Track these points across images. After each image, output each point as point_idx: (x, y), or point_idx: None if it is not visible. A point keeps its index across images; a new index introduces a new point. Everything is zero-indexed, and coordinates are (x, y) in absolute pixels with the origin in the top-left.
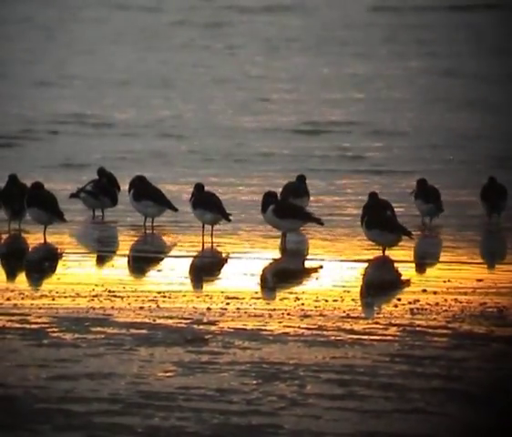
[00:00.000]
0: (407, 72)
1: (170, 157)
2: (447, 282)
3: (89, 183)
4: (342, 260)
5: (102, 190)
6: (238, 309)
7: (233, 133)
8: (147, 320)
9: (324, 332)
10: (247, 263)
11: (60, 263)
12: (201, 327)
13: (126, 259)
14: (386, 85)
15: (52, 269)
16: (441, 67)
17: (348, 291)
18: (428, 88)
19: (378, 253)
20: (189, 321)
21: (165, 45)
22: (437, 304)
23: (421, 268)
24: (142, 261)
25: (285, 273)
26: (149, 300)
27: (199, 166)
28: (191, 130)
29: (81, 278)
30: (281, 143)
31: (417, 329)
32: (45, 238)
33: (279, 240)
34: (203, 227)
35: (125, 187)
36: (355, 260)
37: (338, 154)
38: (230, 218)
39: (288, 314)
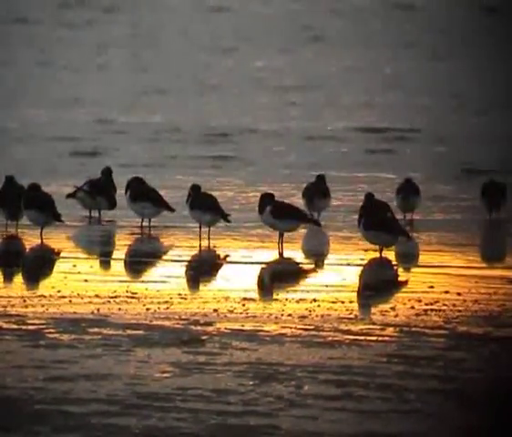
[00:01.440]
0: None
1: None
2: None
3: (86, 183)
4: (339, 261)
5: (99, 190)
6: (235, 310)
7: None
8: (143, 322)
9: (322, 333)
10: (245, 264)
11: (57, 264)
12: (198, 328)
13: (122, 260)
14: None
15: (49, 270)
16: None
17: (345, 292)
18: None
19: (375, 254)
20: (185, 322)
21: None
22: (438, 304)
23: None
24: (138, 263)
25: (282, 274)
26: (146, 302)
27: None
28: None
29: (78, 279)
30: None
31: (414, 329)
32: (41, 240)
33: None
34: (200, 228)
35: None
36: (352, 261)
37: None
38: (229, 218)
39: (285, 315)
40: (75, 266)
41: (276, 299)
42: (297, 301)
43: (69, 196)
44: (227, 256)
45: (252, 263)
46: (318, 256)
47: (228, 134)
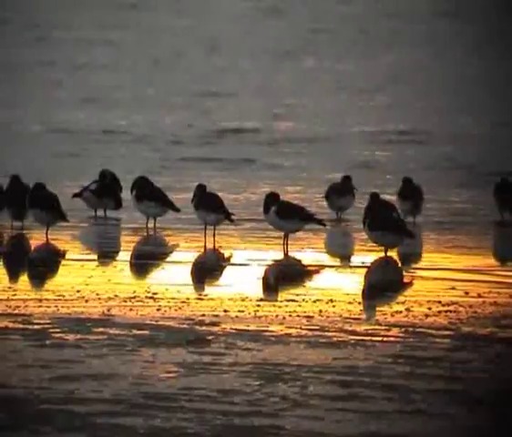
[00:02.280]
0: None
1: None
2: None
3: (92, 183)
4: (344, 262)
5: (105, 191)
6: (240, 310)
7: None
8: (149, 321)
9: (326, 333)
10: (249, 265)
11: (62, 264)
12: (204, 328)
13: (127, 260)
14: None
15: (54, 269)
16: None
17: (350, 293)
18: None
19: (380, 254)
20: (191, 322)
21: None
22: (442, 305)
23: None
24: (143, 263)
25: (287, 274)
26: (151, 302)
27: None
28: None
29: (83, 279)
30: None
31: (419, 330)
32: (47, 239)
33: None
34: (205, 228)
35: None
36: (357, 261)
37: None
38: (233, 218)
39: (290, 315)
40: (79, 265)
41: (281, 300)
42: (302, 302)
43: (75, 195)
44: (231, 256)
45: (257, 263)
46: (323, 255)
47: (272, 138)
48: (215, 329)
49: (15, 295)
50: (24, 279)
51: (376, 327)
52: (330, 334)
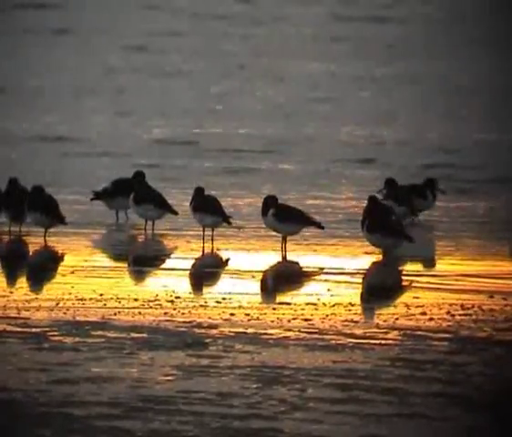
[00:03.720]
0: None
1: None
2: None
3: (109, 184)
4: (343, 264)
5: (121, 191)
6: (238, 313)
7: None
8: (147, 324)
9: (325, 336)
10: (248, 266)
11: (60, 267)
12: (202, 331)
13: (125, 264)
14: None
15: (52, 273)
16: None
17: (348, 295)
18: None
19: (379, 257)
20: (189, 325)
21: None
22: (441, 306)
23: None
24: (141, 265)
25: (285, 277)
26: (149, 304)
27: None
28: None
29: (81, 281)
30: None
31: (418, 333)
32: (45, 242)
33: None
34: (203, 230)
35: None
36: (356, 264)
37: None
38: (231, 220)
39: (289, 318)
40: (78, 267)
41: (280, 303)
42: (300, 305)
43: (94, 198)
44: (228, 259)
45: (256, 266)
46: (321, 258)
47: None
48: (213, 331)
49: (13, 298)
50: (22, 281)
51: (374, 330)
52: (328, 337)
